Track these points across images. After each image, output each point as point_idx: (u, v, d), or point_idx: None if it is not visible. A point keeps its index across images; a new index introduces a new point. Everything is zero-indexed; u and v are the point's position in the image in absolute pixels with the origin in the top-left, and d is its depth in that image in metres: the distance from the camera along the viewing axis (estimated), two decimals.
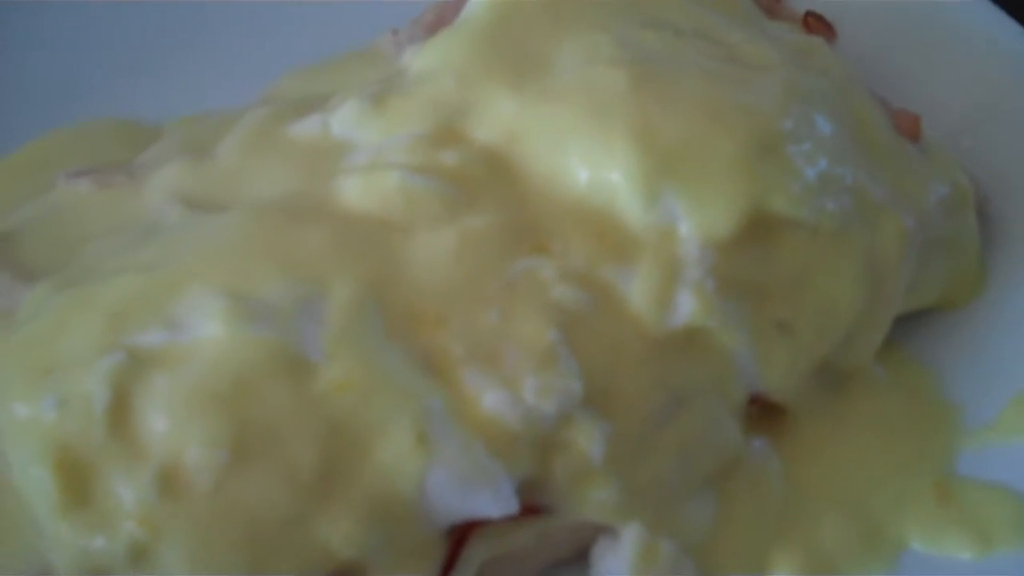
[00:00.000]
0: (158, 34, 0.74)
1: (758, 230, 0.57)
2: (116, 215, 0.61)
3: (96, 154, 0.68)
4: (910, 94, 0.68)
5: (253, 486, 0.49)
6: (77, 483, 0.49)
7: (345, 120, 0.61)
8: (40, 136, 0.71)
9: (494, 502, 0.51)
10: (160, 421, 0.49)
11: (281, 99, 0.67)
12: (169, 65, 0.73)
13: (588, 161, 0.57)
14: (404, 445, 0.50)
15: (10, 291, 0.58)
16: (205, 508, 0.48)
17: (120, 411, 0.50)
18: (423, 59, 0.63)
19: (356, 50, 0.71)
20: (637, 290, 0.55)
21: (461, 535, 0.52)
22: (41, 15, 0.74)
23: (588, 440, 0.53)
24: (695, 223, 0.56)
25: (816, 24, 0.71)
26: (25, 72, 0.72)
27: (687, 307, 0.55)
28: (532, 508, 0.53)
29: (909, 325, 0.63)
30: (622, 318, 0.55)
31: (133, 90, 0.72)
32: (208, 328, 0.51)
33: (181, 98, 0.71)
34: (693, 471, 0.56)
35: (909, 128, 0.65)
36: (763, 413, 0.59)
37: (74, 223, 0.62)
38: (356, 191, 0.57)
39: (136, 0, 0.74)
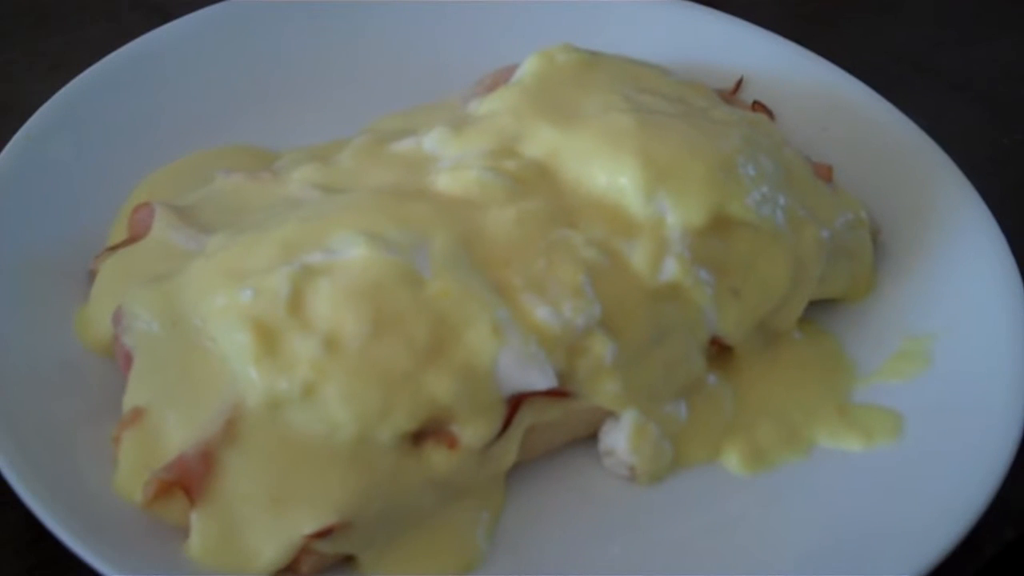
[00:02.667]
0: (276, 85, 0.96)
1: (720, 225, 0.79)
2: (266, 197, 0.83)
3: (236, 166, 0.88)
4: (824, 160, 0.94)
5: (385, 350, 0.70)
6: (268, 343, 0.69)
7: (433, 140, 0.84)
8: (189, 154, 0.94)
9: (542, 378, 0.72)
10: (324, 306, 0.70)
11: (378, 131, 0.92)
12: (283, 108, 0.95)
13: (606, 171, 0.79)
14: (484, 333, 0.71)
15: (196, 239, 0.80)
16: (354, 362, 0.69)
17: (297, 299, 0.70)
18: (487, 105, 0.88)
19: (428, 103, 0.97)
20: (638, 256, 0.77)
21: (517, 402, 0.72)
22: (187, 67, 0.97)
23: (602, 348, 0.74)
24: (678, 216, 0.78)
25: (760, 109, 0.97)
26: (175, 107, 0.94)
27: (671, 269, 0.77)
28: (562, 392, 0.74)
29: (821, 308, 0.86)
30: (627, 274, 0.77)
31: (256, 125, 0.93)
32: (355, 252, 0.72)
33: (292, 133, 0.94)
34: (671, 381, 0.78)
35: (824, 174, 0.89)
36: (719, 354, 0.81)
37: (235, 201, 0.82)
38: (446, 181, 0.80)
39: (263, 63, 0.99)
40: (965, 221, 0.89)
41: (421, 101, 0.96)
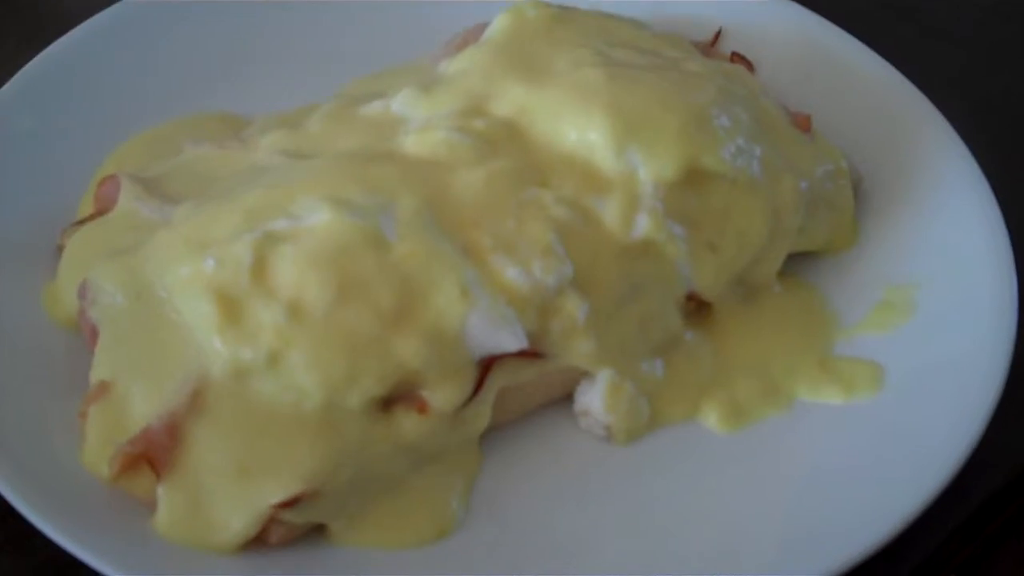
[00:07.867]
0: (247, 51, 0.95)
1: (694, 178, 0.78)
2: (233, 165, 0.82)
3: (206, 135, 0.88)
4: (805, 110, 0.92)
5: (351, 315, 0.69)
6: (232, 312, 0.69)
7: (402, 101, 0.83)
8: (161, 123, 0.92)
9: (512, 339, 0.71)
10: (288, 273, 0.69)
11: (348, 95, 0.91)
12: (255, 75, 0.94)
13: (576, 127, 0.78)
14: (452, 295, 0.70)
15: (162, 210, 0.80)
16: (319, 328, 0.68)
17: (260, 266, 0.70)
18: (457, 64, 0.86)
19: (399, 65, 0.96)
20: (609, 212, 0.76)
21: (488, 365, 0.71)
22: (156, 36, 0.95)
23: (575, 308, 0.73)
24: (650, 170, 0.77)
25: (739, 60, 0.95)
26: (144, 78, 0.93)
27: (643, 225, 0.76)
28: (534, 353, 0.74)
29: (803, 261, 0.85)
30: (599, 231, 0.76)
31: (230, 92, 0.92)
32: (319, 217, 0.71)
33: (265, 100, 0.92)
34: (647, 339, 0.77)
35: (802, 124, 0.87)
36: (697, 310, 0.80)
37: (202, 171, 0.82)
38: (413, 143, 0.78)
39: (233, 30, 0.97)
40: (949, 169, 0.87)
41: (395, 63, 0.94)
